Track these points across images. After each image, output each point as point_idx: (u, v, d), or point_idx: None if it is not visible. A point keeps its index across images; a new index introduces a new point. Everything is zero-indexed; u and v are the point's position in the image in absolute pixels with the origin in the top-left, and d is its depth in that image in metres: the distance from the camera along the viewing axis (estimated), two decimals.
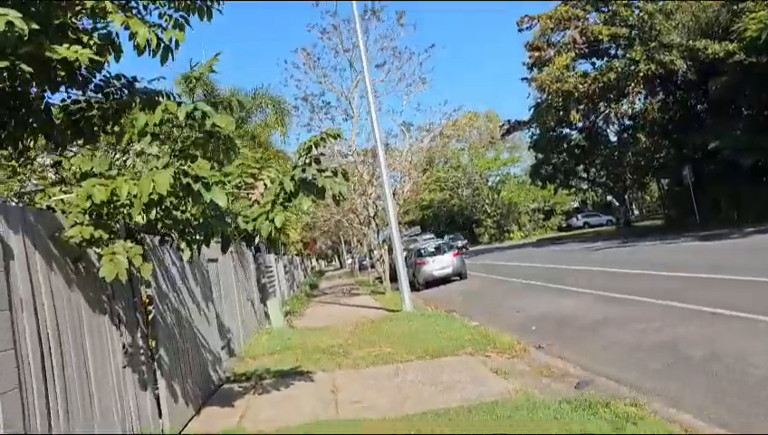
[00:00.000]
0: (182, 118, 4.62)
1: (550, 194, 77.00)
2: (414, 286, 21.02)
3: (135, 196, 4.57)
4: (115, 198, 4.65)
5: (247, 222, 5.72)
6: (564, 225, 76.07)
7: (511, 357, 9.15)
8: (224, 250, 6.02)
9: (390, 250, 23.53)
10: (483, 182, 79.00)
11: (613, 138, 46.87)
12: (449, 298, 19.06)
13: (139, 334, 6.14)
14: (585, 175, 51.77)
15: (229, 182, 5.84)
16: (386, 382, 8.04)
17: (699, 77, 27.51)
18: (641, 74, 27.57)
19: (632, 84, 29.04)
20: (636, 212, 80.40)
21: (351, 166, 21.67)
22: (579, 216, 75.30)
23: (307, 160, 5.83)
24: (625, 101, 32.92)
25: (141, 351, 6.14)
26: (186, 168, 5.09)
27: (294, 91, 47.16)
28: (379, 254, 23.86)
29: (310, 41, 47.20)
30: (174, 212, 5.67)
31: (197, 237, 5.62)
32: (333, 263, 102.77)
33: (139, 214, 4.94)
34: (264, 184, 5.99)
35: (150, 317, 6.50)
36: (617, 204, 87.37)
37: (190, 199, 5.17)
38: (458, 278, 24.49)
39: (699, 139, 27.78)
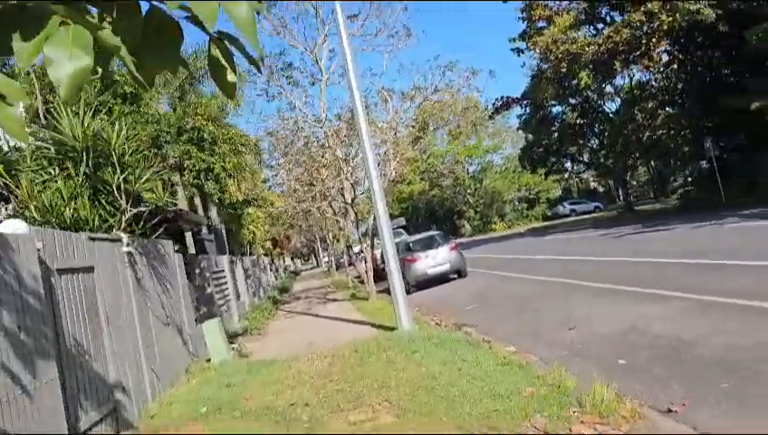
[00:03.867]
0: None
1: (535, 181, 73.56)
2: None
3: None
4: None
5: None
6: (549, 213, 72.67)
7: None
8: None
9: (374, 245, 19.21)
10: (464, 171, 74.91)
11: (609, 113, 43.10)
12: (454, 304, 14.70)
13: None
14: (579, 157, 47.84)
15: None
16: None
17: (732, 29, 23.39)
18: (665, 28, 23.41)
19: (653, 40, 24.81)
20: (622, 197, 77.11)
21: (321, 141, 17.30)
22: (565, 203, 71.97)
23: None
24: (642, 61, 28.60)
25: None
26: None
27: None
28: (359, 250, 19.42)
29: None
30: None
31: None
32: (310, 261, 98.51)
33: None
34: None
35: None
36: (601, 190, 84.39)
37: None
38: (457, 276, 20.17)
39: (735, 102, 23.62)
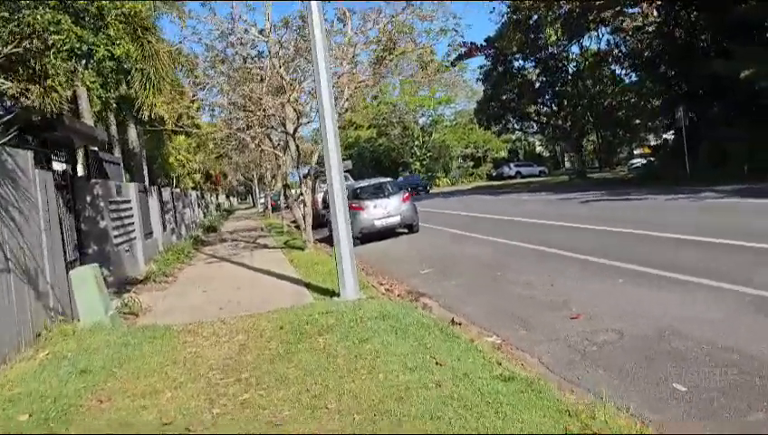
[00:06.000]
0: None
1: (484, 139, 72.02)
2: None
3: None
4: None
5: None
6: (494, 173, 71.33)
7: None
8: None
9: (315, 188, 16.56)
10: (414, 122, 72.20)
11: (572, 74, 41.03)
12: (406, 265, 12.27)
13: None
14: (536, 117, 45.86)
15: None
16: None
17: None
18: None
19: None
20: (567, 164, 76.51)
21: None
22: (511, 165, 70.57)
23: None
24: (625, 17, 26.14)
25: None
26: None
27: None
28: (298, 193, 16.70)
29: None
30: None
31: None
32: (247, 201, 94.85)
33: None
34: None
35: None
36: (546, 154, 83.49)
37: None
38: (407, 231, 17.76)
39: (722, 68, 21.64)
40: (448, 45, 34.38)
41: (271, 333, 6.38)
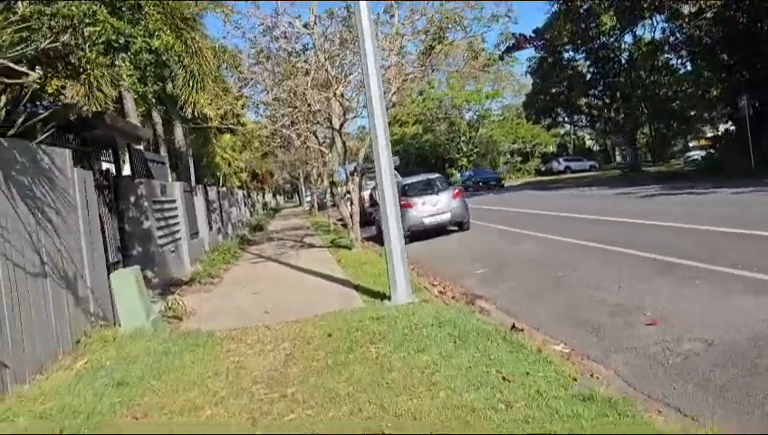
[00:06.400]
0: None
1: (532, 134, 70.62)
2: None
3: None
4: None
5: None
6: (543, 168, 69.66)
7: None
8: None
9: (362, 185, 16.13)
10: (460, 117, 71.18)
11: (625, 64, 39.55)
12: (459, 265, 11.71)
13: None
14: (587, 110, 44.48)
15: None
16: None
17: None
18: None
19: None
20: (618, 158, 74.35)
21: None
22: (560, 159, 68.70)
23: None
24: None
25: None
26: None
27: None
28: (345, 190, 16.26)
29: None
30: None
31: None
32: (293, 200, 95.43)
33: None
34: None
35: None
36: (596, 149, 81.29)
37: None
38: (457, 229, 17.16)
39: None
40: (500, 34, 33.54)
41: (319, 340, 5.94)
